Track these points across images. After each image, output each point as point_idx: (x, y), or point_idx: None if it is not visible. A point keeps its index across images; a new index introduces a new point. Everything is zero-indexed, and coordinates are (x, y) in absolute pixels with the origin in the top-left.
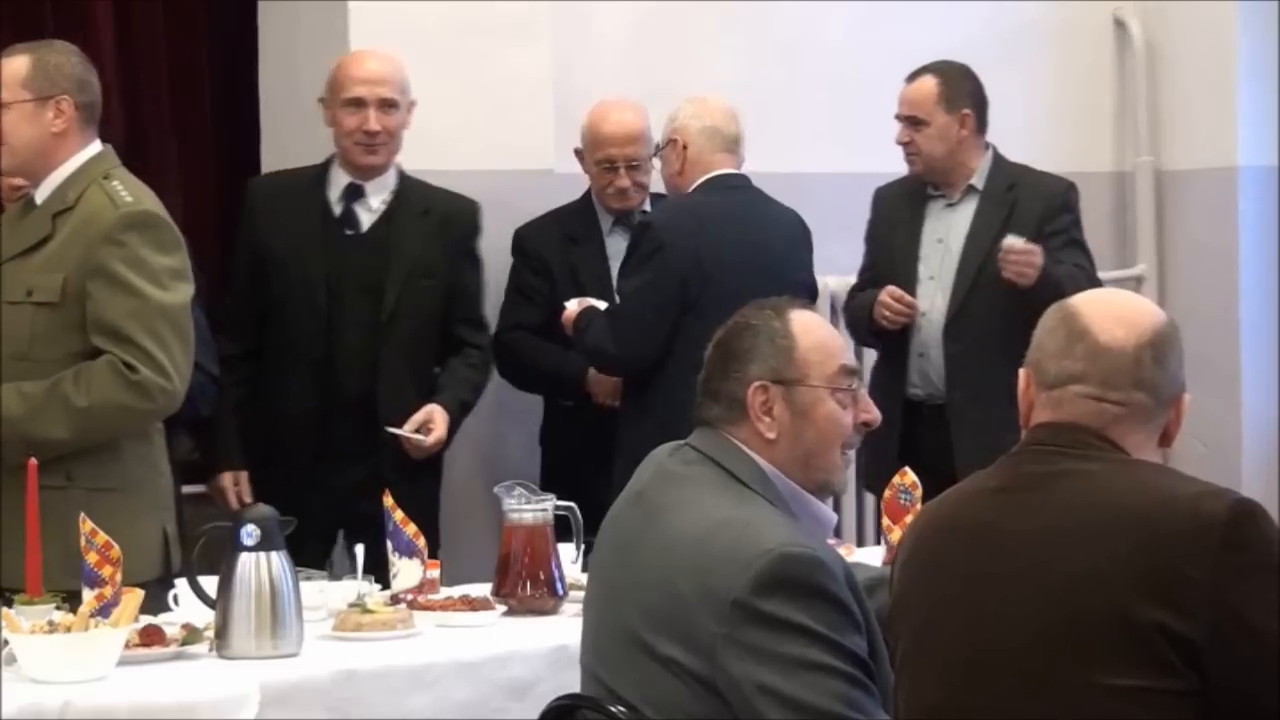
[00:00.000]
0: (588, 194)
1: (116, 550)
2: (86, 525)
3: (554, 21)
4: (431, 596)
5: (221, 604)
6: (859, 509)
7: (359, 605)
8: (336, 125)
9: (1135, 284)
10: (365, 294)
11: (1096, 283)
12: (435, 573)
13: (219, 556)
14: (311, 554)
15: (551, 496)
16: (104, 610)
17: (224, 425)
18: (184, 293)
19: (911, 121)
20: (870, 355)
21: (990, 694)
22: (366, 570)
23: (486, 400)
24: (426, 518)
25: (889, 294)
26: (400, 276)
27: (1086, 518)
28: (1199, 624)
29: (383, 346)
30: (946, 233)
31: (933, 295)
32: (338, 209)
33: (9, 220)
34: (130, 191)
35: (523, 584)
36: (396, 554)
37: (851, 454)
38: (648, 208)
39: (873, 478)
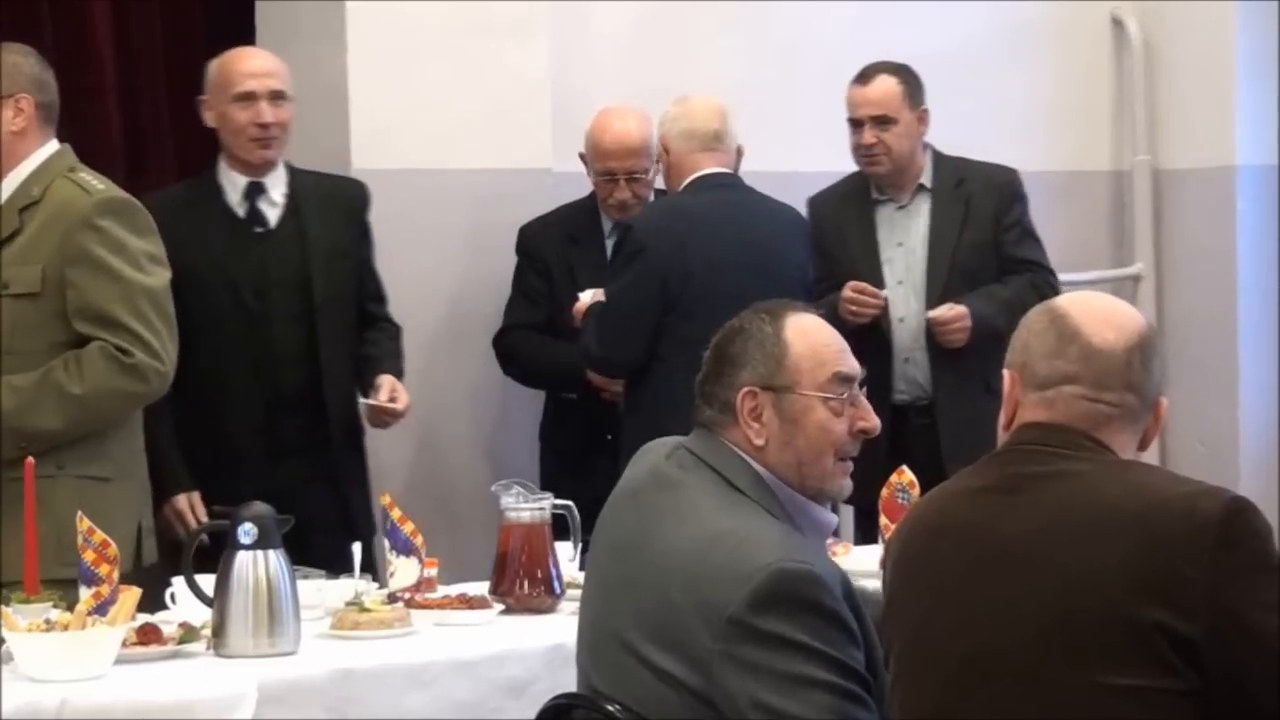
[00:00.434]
0: (593, 193)
1: (114, 548)
2: (84, 524)
3: (552, 21)
4: (429, 595)
5: (219, 602)
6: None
7: (356, 604)
8: (226, 123)
9: (1133, 283)
10: (290, 288)
11: (1049, 277)
12: (433, 571)
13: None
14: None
15: (549, 495)
16: (101, 608)
17: (168, 451)
18: (163, 277)
19: (880, 121)
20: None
21: (987, 695)
22: (314, 563)
23: (485, 399)
24: (365, 496)
25: (851, 288)
26: (322, 265)
27: (1081, 518)
28: (1198, 623)
29: (320, 336)
30: (905, 236)
31: (905, 299)
32: (241, 210)
33: None
34: (99, 181)
35: (520, 583)
36: (394, 552)
37: (849, 463)
38: None
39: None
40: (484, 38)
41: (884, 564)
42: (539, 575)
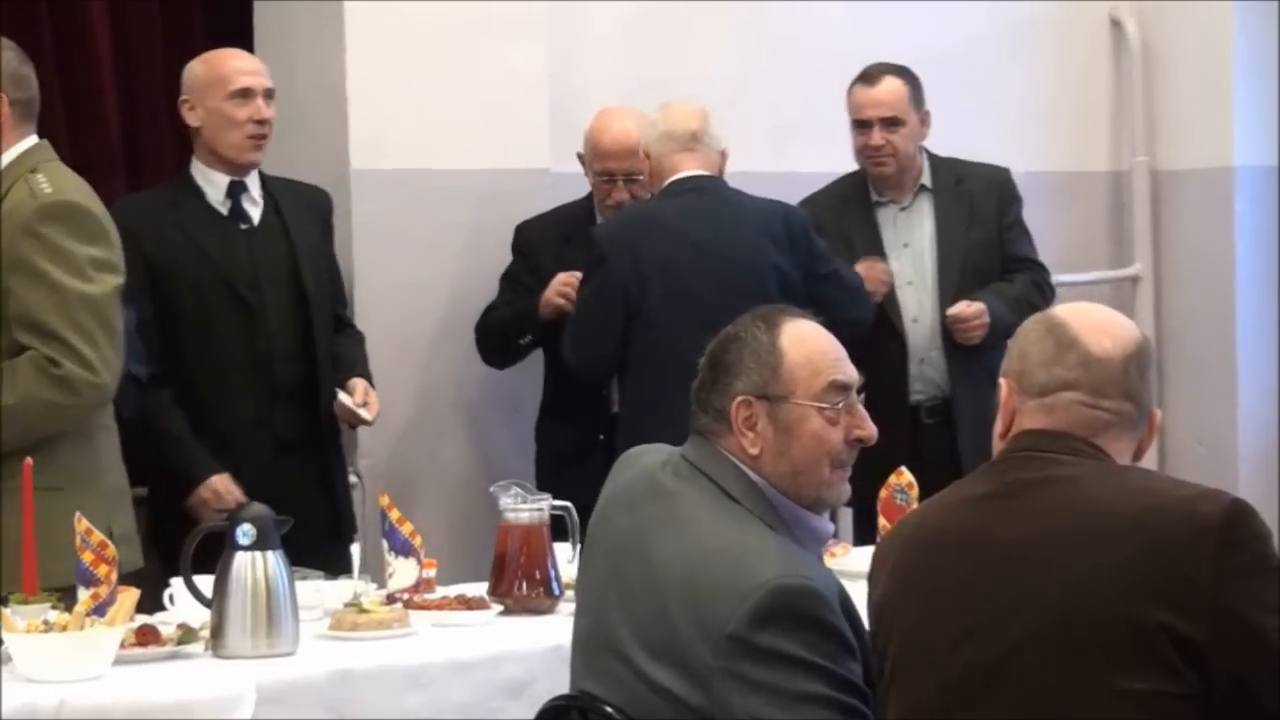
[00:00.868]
0: (590, 194)
1: (112, 549)
2: (82, 524)
3: (551, 21)
4: (427, 596)
5: (217, 603)
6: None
7: (355, 604)
8: (217, 120)
9: (1132, 284)
10: (282, 282)
11: (1046, 275)
12: (431, 572)
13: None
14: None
15: (547, 496)
16: (100, 609)
17: (184, 441)
18: (109, 283)
19: (890, 123)
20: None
21: (988, 700)
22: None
23: (484, 399)
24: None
25: (865, 268)
26: (309, 262)
27: (1080, 523)
28: (1200, 625)
29: (314, 329)
30: (910, 236)
31: (918, 300)
32: (224, 208)
33: None
34: (53, 183)
35: (519, 583)
36: (392, 553)
37: (847, 470)
38: None
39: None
40: (482, 38)
41: (873, 573)
42: (537, 576)
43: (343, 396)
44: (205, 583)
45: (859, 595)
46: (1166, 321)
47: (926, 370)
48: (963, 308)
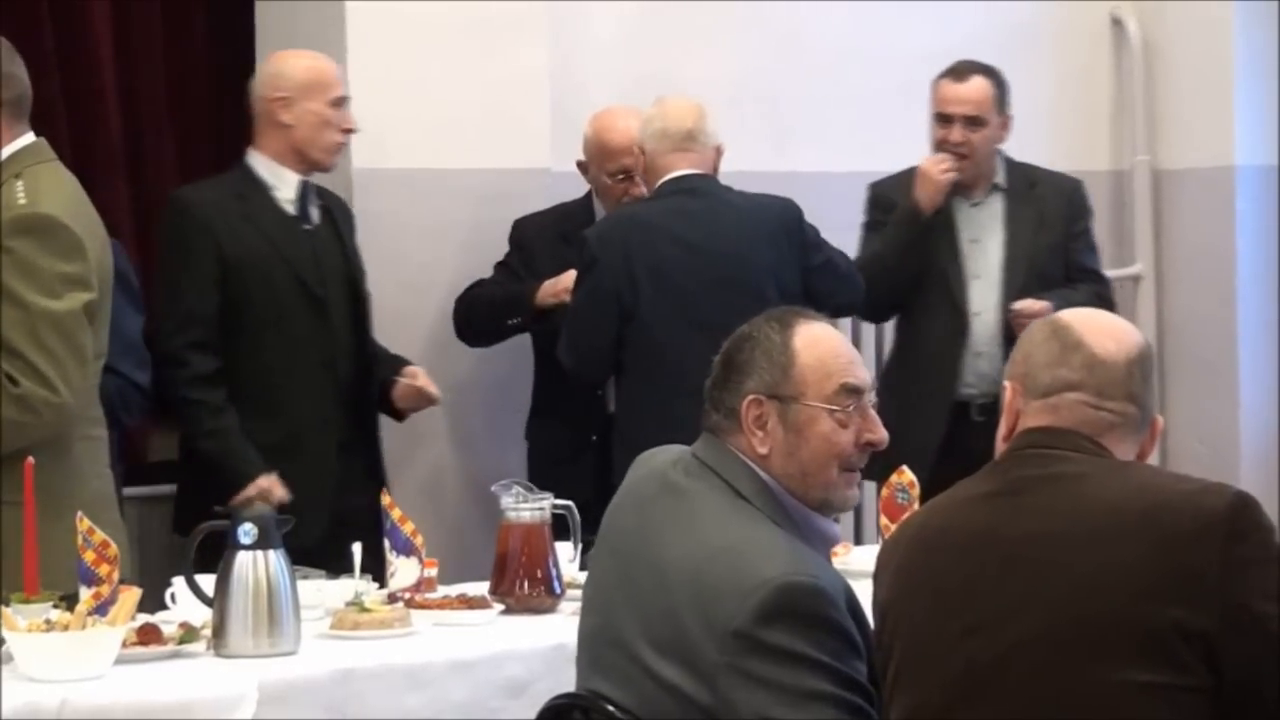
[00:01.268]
0: (590, 193)
1: (114, 548)
2: (84, 524)
3: (551, 20)
4: (429, 595)
5: (219, 603)
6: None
7: (356, 604)
8: (318, 122)
9: (1133, 283)
10: (340, 283)
11: (1108, 289)
12: (433, 571)
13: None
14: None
15: (549, 495)
16: (101, 609)
17: (235, 437)
18: (78, 300)
19: (973, 122)
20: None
21: (995, 697)
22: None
23: (485, 398)
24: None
25: (929, 161)
26: (360, 266)
27: (1086, 520)
28: (1210, 618)
29: (367, 332)
30: (980, 232)
31: (983, 294)
32: (292, 207)
33: None
34: (29, 193)
35: (520, 583)
36: (394, 552)
37: (856, 474)
38: None
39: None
40: (483, 37)
41: (878, 572)
42: (539, 575)
43: (406, 380)
44: (207, 582)
45: (864, 594)
46: (1168, 320)
47: (981, 365)
48: (1030, 303)
